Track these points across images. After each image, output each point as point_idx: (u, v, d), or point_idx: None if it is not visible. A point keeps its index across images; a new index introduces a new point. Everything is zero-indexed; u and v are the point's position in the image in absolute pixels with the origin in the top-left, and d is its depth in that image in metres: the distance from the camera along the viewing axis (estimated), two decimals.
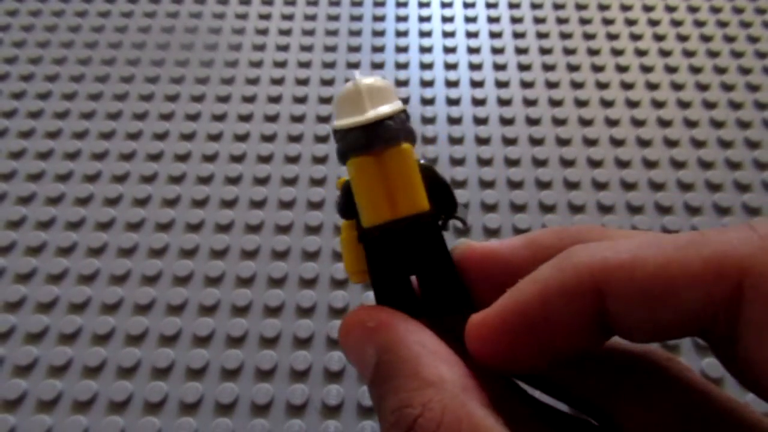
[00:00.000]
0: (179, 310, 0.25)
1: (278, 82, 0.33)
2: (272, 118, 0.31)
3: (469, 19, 0.36)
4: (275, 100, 0.32)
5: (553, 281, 0.12)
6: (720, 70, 0.34)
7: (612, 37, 0.35)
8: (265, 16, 0.36)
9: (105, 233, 0.27)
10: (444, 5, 0.37)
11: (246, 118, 0.31)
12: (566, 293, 0.12)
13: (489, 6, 0.37)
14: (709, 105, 0.32)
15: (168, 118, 0.31)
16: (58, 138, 0.30)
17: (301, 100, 0.32)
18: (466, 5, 0.37)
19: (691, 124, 0.32)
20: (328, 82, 0.33)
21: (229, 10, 0.36)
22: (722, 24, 0.36)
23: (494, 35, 0.35)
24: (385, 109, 0.14)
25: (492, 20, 0.36)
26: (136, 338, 0.24)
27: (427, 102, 0.32)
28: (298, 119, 0.31)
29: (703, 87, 0.33)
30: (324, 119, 0.31)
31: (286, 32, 0.35)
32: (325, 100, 0.32)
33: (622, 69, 0.34)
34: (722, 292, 0.11)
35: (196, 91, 0.32)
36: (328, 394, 0.23)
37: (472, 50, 0.34)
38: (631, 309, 0.11)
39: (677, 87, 0.33)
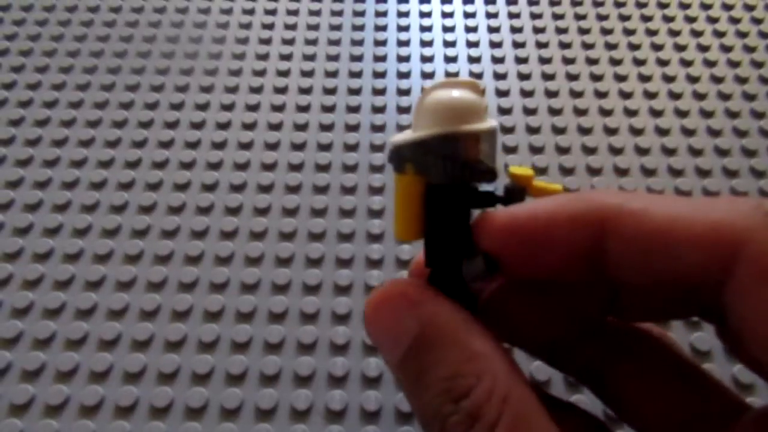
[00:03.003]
0: (185, 316, 0.25)
1: (281, 90, 0.33)
2: (276, 126, 0.32)
3: (471, 44, 0.36)
4: (278, 108, 0.32)
5: (564, 206, 0.13)
6: (709, 64, 0.34)
7: (610, 47, 0.36)
8: (269, 26, 0.36)
9: (111, 240, 0.27)
10: (444, 15, 0.37)
11: (250, 126, 0.32)
12: (572, 218, 0.13)
13: (491, 29, 0.37)
14: (700, 96, 0.33)
15: (173, 126, 0.32)
16: (64, 146, 0.31)
17: (304, 108, 0.32)
18: (468, 30, 0.37)
19: (681, 113, 0.32)
20: (330, 91, 0.33)
21: (233, 20, 0.36)
22: (719, 34, 0.37)
23: (494, 45, 0.36)
24: (407, 134, 0.14)
25: (492, 30, 0.37)
26: (143, 344, 0.25)
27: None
28: (301, 127, 0.32)
29: (693, 79, 0.33)
30: (326, 128, 0.31)
31: (289, 42, 0.36)
32: (328, 109, 0.32)
33: (620, 78, 0.34)
34: (718, 258, 0.11)
35: (201, 100, 0.32)
36: (331, 400, 0.23)
37: (473, 59, 0.35)
38: (631, 254, 0.12)
39: (675, 96, 0.34)
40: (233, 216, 0.28)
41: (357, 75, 0.34)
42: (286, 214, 0.28)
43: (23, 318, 0.25)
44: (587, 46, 0.36)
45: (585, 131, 0.32)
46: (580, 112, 0.33)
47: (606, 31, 0.37)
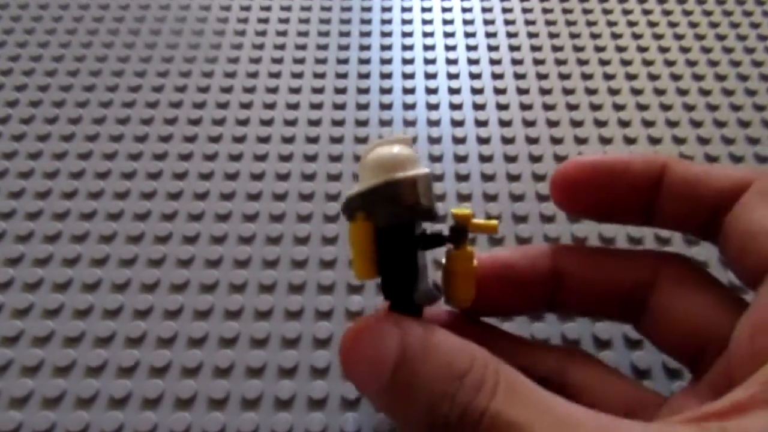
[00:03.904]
0: (200, 343, 0.26)
1: (289, 140, 0.34)
2: (283, 177, 0.33)
3: (476, 91, 0.38)
4: (288, 141, 0.34)
5: (637, 155, 0.19)
6: (704, 93, 0.35)
7: (608, 77, 0.37)
8: (276, 75, 0.38)
9: (128, 270, 0.28)
10: (449, 61, 0.39)
11: (258, 176, 0.33)
12: (645, 160, 0.19)
13: (495, 77, 0.39)
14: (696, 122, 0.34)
15: (187, 158, 0.33)
16: (55, 178, 0.32)
17: (312, 140, 0.34)
18: (472, 66, 0.39)
19: (679, 139, 0.33)
20: (336, 140, 0.34)
21: (242, 54, 0.38)
22: (713, 63, 0.38)
23: (499, 91, 0.37)
24: (356, 188, 0.17)
25: (496, 77, 0.38)
26: (160, 370, 0.25)
27: (436, 159, 0.33)
28: (309, 177, 0.33)
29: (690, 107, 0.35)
30: (334, 178, 0.32)
31: (296, 90, 0.37)
32: (335, 158, 0.33)
33: (624, 124, 0.35)
34: (739, 185, 0.17)
35: (213, 133, 0.33)
36: (345, 423, 0.24)
37: (478, 106, 0.36)
38: (679, 186, 0.18)
39: (672, 125, 0.35)
40: (246, 245, 0.29)
41: (364, 108, 0.35)
42: (297, 243, 0.29)
43: (13, 346, 0.26)
44: (586, 77, 0.37)
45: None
46: (581, 141, 0.34)
47: (604, 62, 0.38)
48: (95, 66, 0.37)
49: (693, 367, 0.18)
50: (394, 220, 0.16)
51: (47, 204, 0.31)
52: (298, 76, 0.37)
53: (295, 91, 0.36)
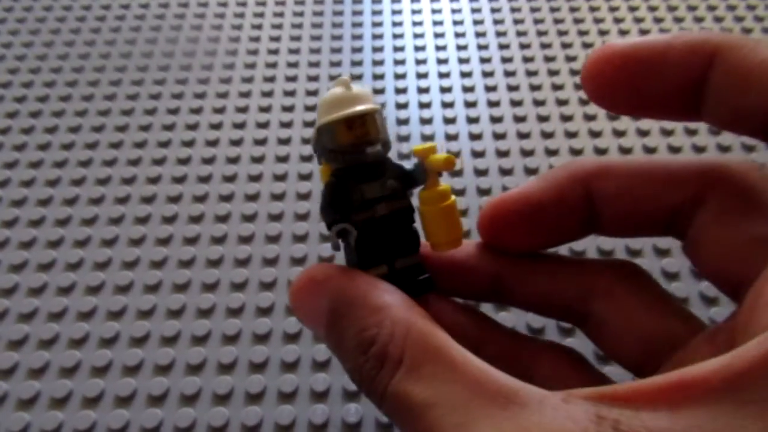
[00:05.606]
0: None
1: (285, 142, 0.35)
2: (281, 178, 0.33)
3: (467, 89, 0.39)
4: (283, 159, 0.34)
5: (680, 36, 0.15)
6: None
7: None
8: (270, 79, 0.38)
9: (131, 272, 0.29)
10: (441, 76, 0.39)
11: (254, 196, 0.33)
12: (689, 45, 0.14)
13: (488, 89, 0.39)
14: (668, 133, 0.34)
15: (185, 162, 0.33)
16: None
17: (307, 158, 0.34)
18: (463, 75, 0.39)
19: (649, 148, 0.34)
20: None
21: (237, 60, 0.38)
22: None
23: (492, 104, 0.38)
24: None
25: (489, 89, 0.39)
26: (163, 367, 0.26)
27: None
28: (305, 177, 0.33)
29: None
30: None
31: (291, 93, 0.37)
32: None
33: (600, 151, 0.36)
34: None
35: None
36: (347, 413, 0.24)
37: (472, 119, 0.37)
38: (731, 85, 0.14)
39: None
40: (245, 245, 0.30)
41: None
42: (296, 241, 0.30)
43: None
44: (565, 119, 0.38)
45: None
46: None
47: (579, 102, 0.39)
48: (93, 76, 0.38)
49: (735, 297, 0.15)
50: (335, 162, 0.16)
51: (49, 211, 0.31)
52: (292, 79, 0.38)
53: (290, 94, 0.37)
